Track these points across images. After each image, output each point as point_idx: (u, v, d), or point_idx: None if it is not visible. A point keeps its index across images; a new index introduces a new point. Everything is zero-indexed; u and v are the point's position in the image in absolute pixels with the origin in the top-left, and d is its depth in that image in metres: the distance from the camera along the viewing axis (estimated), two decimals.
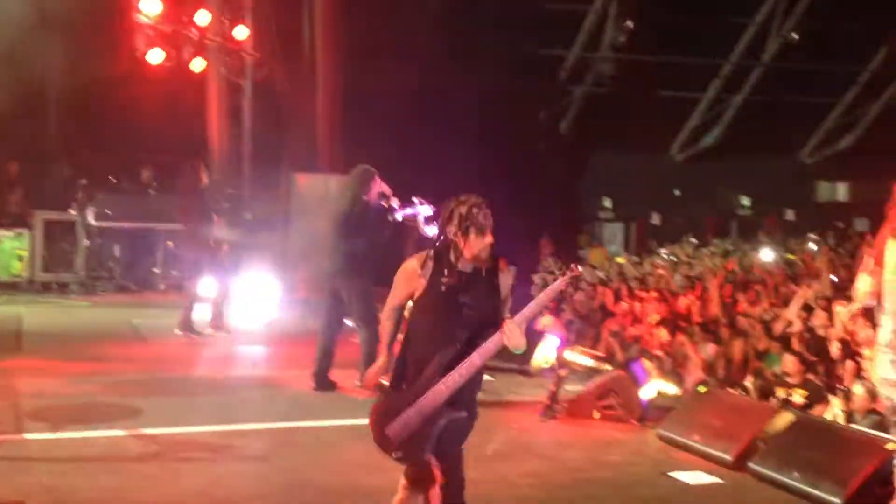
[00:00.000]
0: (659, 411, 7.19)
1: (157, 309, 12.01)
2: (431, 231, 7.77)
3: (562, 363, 9.05)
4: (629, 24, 18.03)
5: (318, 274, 8.21)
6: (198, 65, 14.31)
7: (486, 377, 8.39)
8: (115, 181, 14.62)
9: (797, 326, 8.26)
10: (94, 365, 8.39)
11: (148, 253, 14.00)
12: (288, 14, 15.36)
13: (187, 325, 10.09)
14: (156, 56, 13.66)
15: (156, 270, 13.86)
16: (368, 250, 7.69)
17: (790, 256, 13.02)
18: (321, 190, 12.67)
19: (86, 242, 13.45)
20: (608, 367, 8.61)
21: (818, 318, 8.48)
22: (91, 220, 13.38)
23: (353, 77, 15.10)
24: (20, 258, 13.14)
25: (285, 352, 9.75)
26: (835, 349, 7.35)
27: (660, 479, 5.87)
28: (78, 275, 13.38)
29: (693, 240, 16.16)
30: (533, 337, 9.30)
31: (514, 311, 4.05)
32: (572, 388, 7.71)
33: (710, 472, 5.95)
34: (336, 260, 7.74)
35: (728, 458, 6.05)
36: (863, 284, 4.97)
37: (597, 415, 7.20)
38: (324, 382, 7.79)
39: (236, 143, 15.87)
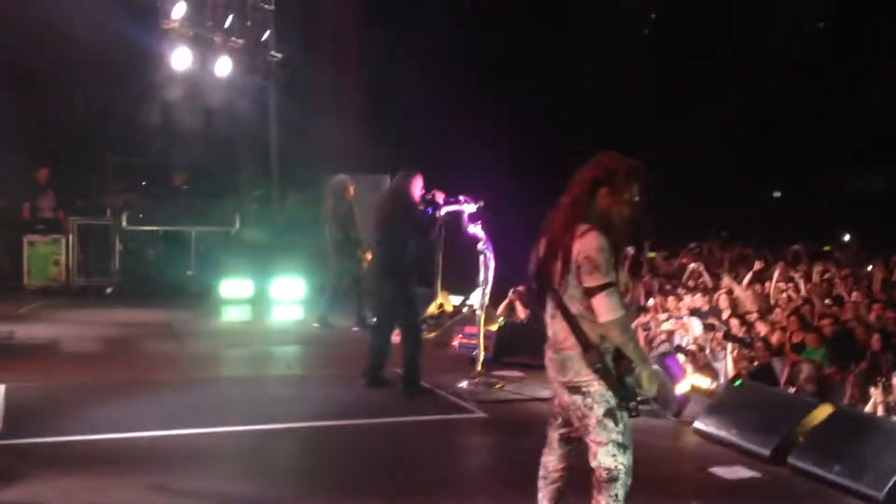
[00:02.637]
0: (694, 406, 7.16)
1: (190, 311, 12.16)
2: (474, 229, 7.78)
3: None
4: None
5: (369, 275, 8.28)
6: (222, 67, 14.43)
7: (519, 373, 8.49)
8: (146, 185, 14.77)
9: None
10: (130, 368, 8.51)
11: (181, 256, 14.13)
12: (312, 14, 15.46)
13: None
14: (182, 60, 13.79)
15: (189, 273, 13.99)
16: (417, 251, 7.75)
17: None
18: (352, 190, 12.73)
19: (119, 246, 13.62)
20: None
21: (850, 311, 8.44)
22: (125, 224, 13.55)
23: (377, 75, 15.15)
24: (56, 263, 13.34)
25: (319, 351, 9.82)
26: (875, 341, 7.29)
27: (698, 474, 5.85)
28: (113, 279, 13.56)
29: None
30: None
31: None
32: None
33: (748, 467, 5.93)
34: (386, 262, 7.79)
35: (766, 452, 6.02)
36: None
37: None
38: (376, 380, 7.85)
39: (263, 144, 15.99)
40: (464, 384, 7.91)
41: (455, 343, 9.48)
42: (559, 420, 4.02)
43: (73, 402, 7.04)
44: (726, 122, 16.77)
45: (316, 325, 10.94)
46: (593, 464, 3.79)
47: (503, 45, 15.74)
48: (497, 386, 8.01)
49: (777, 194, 21.17)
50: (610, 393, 3.72)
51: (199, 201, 14.25)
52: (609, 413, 3.73)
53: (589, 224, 3.70)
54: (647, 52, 17.28)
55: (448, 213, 7.88)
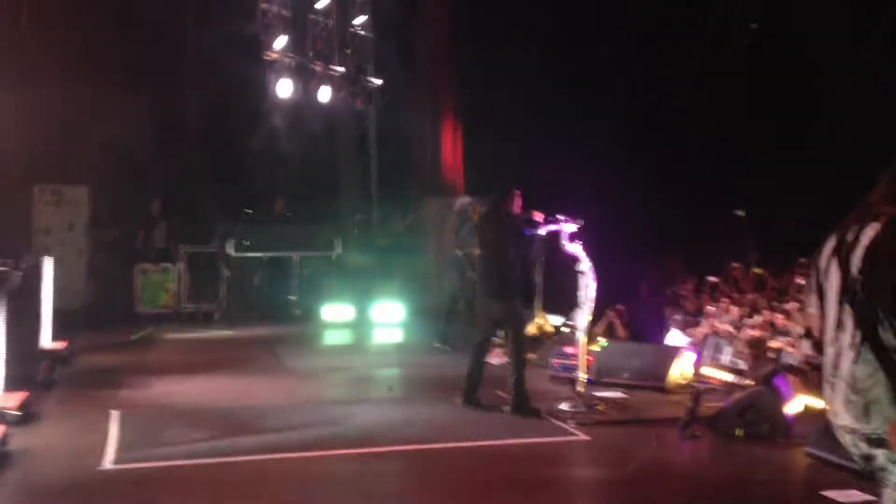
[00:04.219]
0: (806, 427, 6.88)
1: (293, 335, 12.41)
2: (574, 249, 7.73)
3: (699, 379, 8.84)
4: None
5: (472, 295, 8.33)
6: (324, 95, 14.78)
7: (620, 394, 8.35)
8: (250, 212, 15.19)
9: None
10: (236, 392, 8.72)
11: (284, 280, 14.45)
12: (409, 40, 15.70)
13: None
14: (285, 89, 14.19)
15: (292, 297, 14.28)
16: (521, 269, 7.75)
17: None
18: (448, 211, 12.80)
19: (226, 273, 14.02)
20: (749, 382, 8.35)
21: None
22: (230, 251, 13.95)
23: (471, 96, 15.24)
24: (167, 290, 13.82)
25: (419, 373, 9.86)
26: None
27: (812, 498, 5.62)
28: (220, 305, 13.95)
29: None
30: (668, 353, 9.13)
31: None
32: (712, 404, 7.48)
33: (864, 491, 5.64)
34: (491, 281, 7.80)
35: None
36: None
37: (739, 432, 6.95)
38: (471, 400, 7.87)
39: (364, 169, 16.26)
40: (565, 406, 7.81)
41: (555, 364, 9.38)
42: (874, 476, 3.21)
43: (181, 427, 7.25)
44: (829, 133, 16.17)
45: (437, 344, 11.03)
46: None
47: (599, 63, 15.62)
48: (598, 408, 7.88)
49: None
50: None
51: (301, 227, 14.57)
52: None
53: None
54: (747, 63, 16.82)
55: (548, 233, 7.85)
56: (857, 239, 3.17)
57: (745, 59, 16.64)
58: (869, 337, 3.08)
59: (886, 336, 3.03)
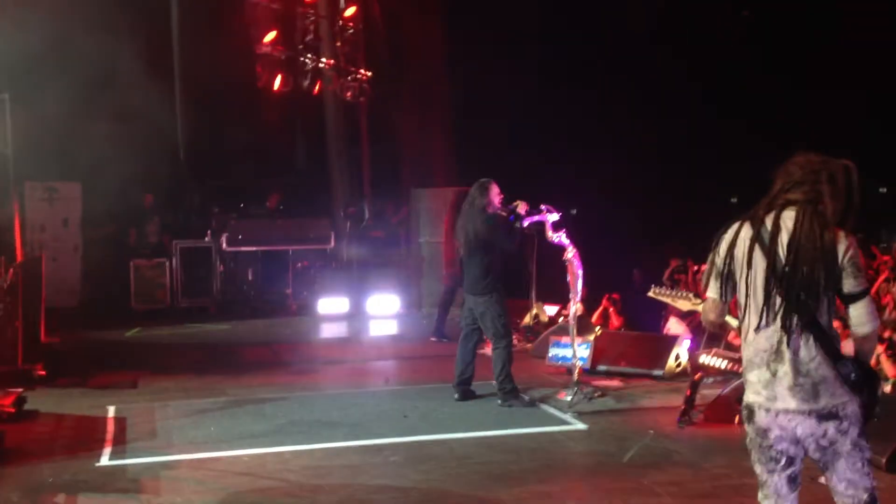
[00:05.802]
0: None
1: (289, 328, 12.38)
2: (559, 238, 7.72)
3: (696, 366, 8.83)
4: None
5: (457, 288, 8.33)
6: (314, 87, 14.72)
7: (617, 383, 8.36)
8: (244, 207, 15.13)
9: None
10: (233, 386, 8.70)
11: (279, 274, 14.41)
12: (396, 31, 15.65)
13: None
14: (275, 82, 14.14)
15: (287, 291, 14.25)
16: (501, 263, 7.73)
17: None
18: (441, 204, 12.76)
19: (220, 268, 13.97)
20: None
21: None
22: (224, 245, 13.90)
23: (464, 88, 15.20)
24: (161, 285, 13.76)
25: (415, 365, 9.85)
26: None
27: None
28: (215, 300, 13.91)
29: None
30: (665, 341, 9.13)
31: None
32: (709, 391, 7.48)
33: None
34: (470, 275, 7.78)
35: (882, 460, 5.74)
36: None
37: (737, 419, 6.94)
38: (466, 392, 7.86)
39: (356, 162, 16.21)
40: (561, 395, 7.82)
41: (551, 353, 9.37)
42: (783, 460, 3.42)
43: (177, 421, 7.24)
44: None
45: (433, 338, 11.01)
46: (847, 493, 3.35)
47: (589, 54, 15.60)
48: (595, 396, 7.89)
49: None
50: (859, 409, 3.32)
51: (295, 220, 14.52)
52: (862, 432, 3.31)
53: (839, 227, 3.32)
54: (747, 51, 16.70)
55: (531, 224, 7.83)
56: (777, 226, 3.33)
57: (740, 48, 16.62)
58: (807, 321, 3.28)
59: (823, 318, 3.28)
